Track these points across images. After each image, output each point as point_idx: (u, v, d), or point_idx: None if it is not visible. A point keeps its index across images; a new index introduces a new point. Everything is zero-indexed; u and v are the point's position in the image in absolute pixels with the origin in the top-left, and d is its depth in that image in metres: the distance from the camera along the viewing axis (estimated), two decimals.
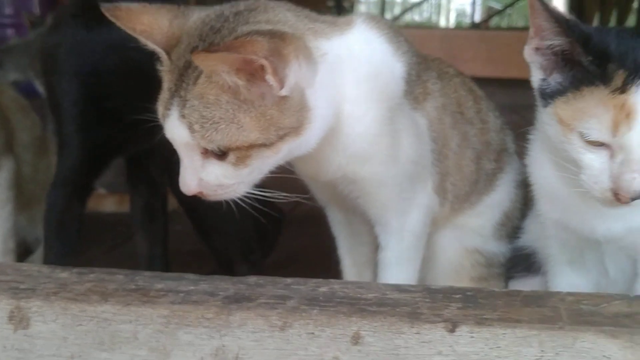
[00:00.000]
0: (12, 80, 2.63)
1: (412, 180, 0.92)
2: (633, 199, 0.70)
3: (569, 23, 0.73)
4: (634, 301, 0.77)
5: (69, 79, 1.00)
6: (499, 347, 0.70)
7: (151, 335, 0.74)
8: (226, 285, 0.81)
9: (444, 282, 1.00)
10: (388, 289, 0.81)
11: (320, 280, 0.83)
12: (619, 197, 0.71)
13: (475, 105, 1.05)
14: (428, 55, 1.05)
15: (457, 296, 0.78)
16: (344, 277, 1.05)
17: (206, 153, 0.75)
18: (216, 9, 0.81)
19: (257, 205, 0.84)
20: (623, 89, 0.69)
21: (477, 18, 13.06)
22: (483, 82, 4.73)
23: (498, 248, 1.04)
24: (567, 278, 0.91)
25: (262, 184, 0.85)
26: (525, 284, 0.99)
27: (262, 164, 0.77)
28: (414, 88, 0.93)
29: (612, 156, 0.72)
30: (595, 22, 7.75)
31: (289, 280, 0.83)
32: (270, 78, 0.72)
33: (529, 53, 0.78)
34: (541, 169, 0.87)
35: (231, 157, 0.75)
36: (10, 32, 4.80)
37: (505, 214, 1.05)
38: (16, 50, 2.63)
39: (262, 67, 0.72)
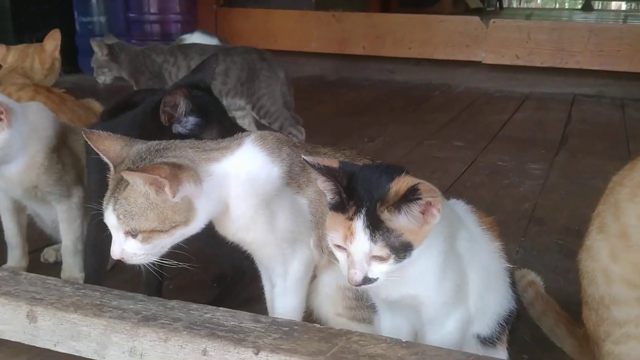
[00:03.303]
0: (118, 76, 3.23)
1: (291, 241, 1.32)
2: (358, 285, 1.07)
3: (334, 173, 1.07)
4: (395, 346, 1.14)
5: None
6: None
7: (98, 334, 1.24)
8: (152, 306, 1.29)
9: (326, 307, 1.39)
10: (248, 319, 1.24)
11: (212, 308, 1.28)
12: (351, 283, 1.08)
13: None
14: (320, 150, 1.41)
15: (285, 328, 1.20)
16: (266, 298, 1.49)
17: (126, 233, 1.22)
18: (148, 144, 1.24)
19: None
20: (351, 218, 1.06)
21: None
22: (592, 74, 4.88)
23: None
24: (389, 319, 1.26)
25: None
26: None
27: (161, 243, 1.21)
28: (299, 178, 1.33)
29: (348, 256, 1.09)
30: None
31: (193, 306, 1.30)
32: (167, 190, 1.16)
33: (319, 184, 1.13)
34: None
35: (139, 236, 1.20)
36: (156, 27, 5.63)
37: None
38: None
39: (163, 183, 1.16)
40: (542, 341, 1.56)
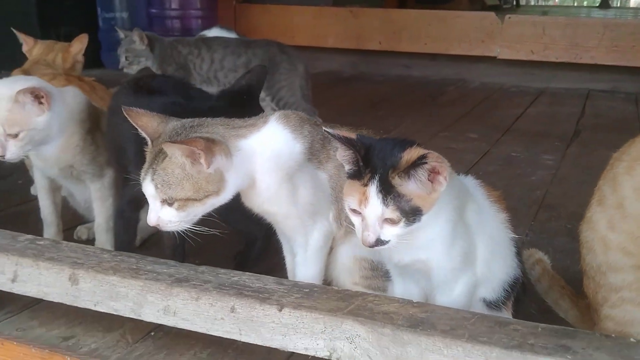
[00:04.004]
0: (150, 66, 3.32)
1: (312, 214, 1.43)
2: (371, 247, 1.18)
3: (353, 143, 1.18)
4: (407, 305, 1.24)
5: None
6: (302, 322, 1.22)
7: (135, 294, 1.36)
8: (184, 270, 1.40)
9: (343, 277, 1.50)
10: (272, 281, 1.35)
11: (239, 272, 1.39)
12: (364, 244, 1.19)
13: None
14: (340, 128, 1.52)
15: (305, 290, 1.31)
16: (287, 269, 1.60)
17: (163, 202, 1.33)
18: (182, 121, 1.35)
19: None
20: (366, 184, 1.16)
21: None
22: (606, 70, 4.94)
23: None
24: (401, 284, 1.37)
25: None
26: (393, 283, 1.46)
27: (195, 211, 1.32)
28: (319, 154, 1.43)
29: (362, 220, 1.19)
30: None
31: (221, 270, 1.41)
32: (202, 161, 1.28)
33: (339, 155, 1.24)
34: None
35: (175, 204, 1.30)
36: (177, 23, 5.77)
37: None
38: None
39: (199, 155, 1.28)
40: (547, 313, 1.65)
